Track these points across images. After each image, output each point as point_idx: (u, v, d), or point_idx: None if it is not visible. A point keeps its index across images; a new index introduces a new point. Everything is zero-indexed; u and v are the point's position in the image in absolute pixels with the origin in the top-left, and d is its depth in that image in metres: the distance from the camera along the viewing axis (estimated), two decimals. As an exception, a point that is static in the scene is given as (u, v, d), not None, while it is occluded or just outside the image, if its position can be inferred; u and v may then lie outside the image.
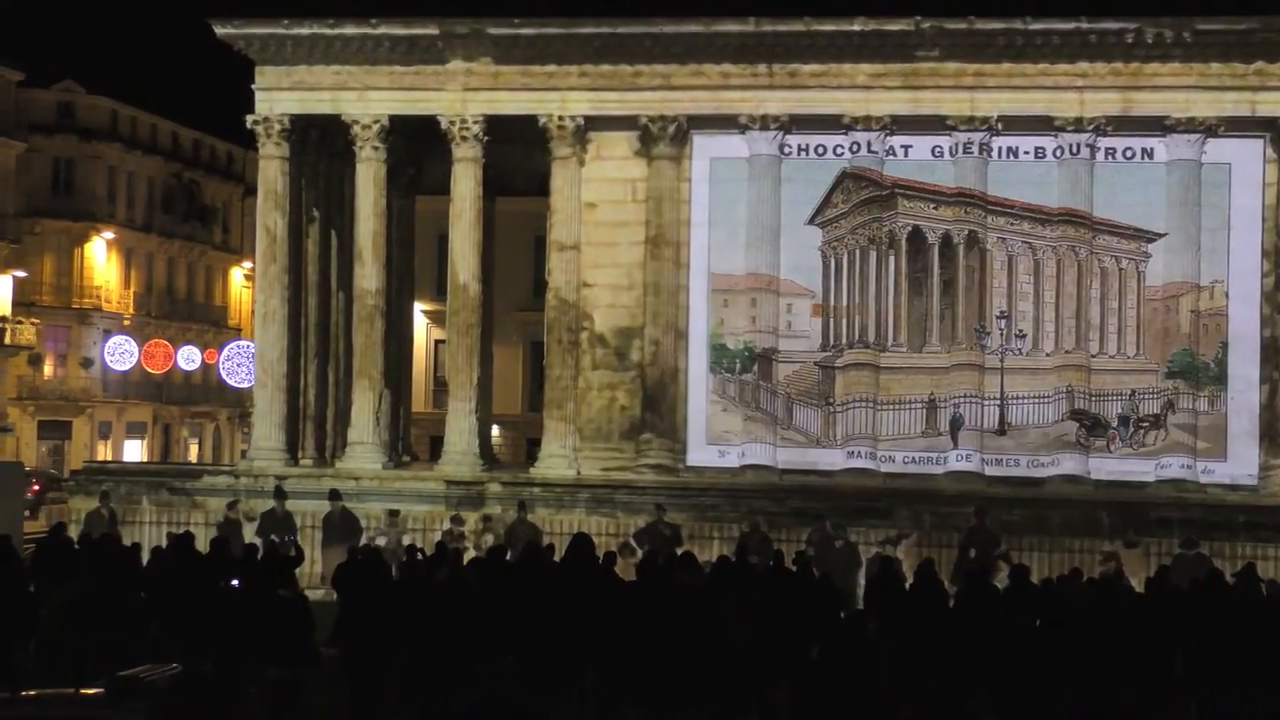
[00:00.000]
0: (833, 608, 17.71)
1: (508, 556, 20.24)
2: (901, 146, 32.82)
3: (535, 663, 16.72)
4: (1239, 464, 32.09)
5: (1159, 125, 31.48)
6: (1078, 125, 31.49)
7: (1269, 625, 16.65)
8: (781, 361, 33.16)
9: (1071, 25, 31.34)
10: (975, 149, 32.31)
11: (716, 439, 33.08)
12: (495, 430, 40.61)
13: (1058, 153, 32.34)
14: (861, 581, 23.64)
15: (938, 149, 32.79)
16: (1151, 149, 32.31)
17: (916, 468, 32.62)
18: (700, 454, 32.97)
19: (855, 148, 32.72)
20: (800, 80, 32.19)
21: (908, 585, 18.88)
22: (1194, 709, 16.67)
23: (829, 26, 31.86)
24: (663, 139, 32.35)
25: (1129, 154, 32.44)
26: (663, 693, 15.37)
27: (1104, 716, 15.98)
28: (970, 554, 25.80)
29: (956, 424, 32.71)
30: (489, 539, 26.68)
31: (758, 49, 32.16)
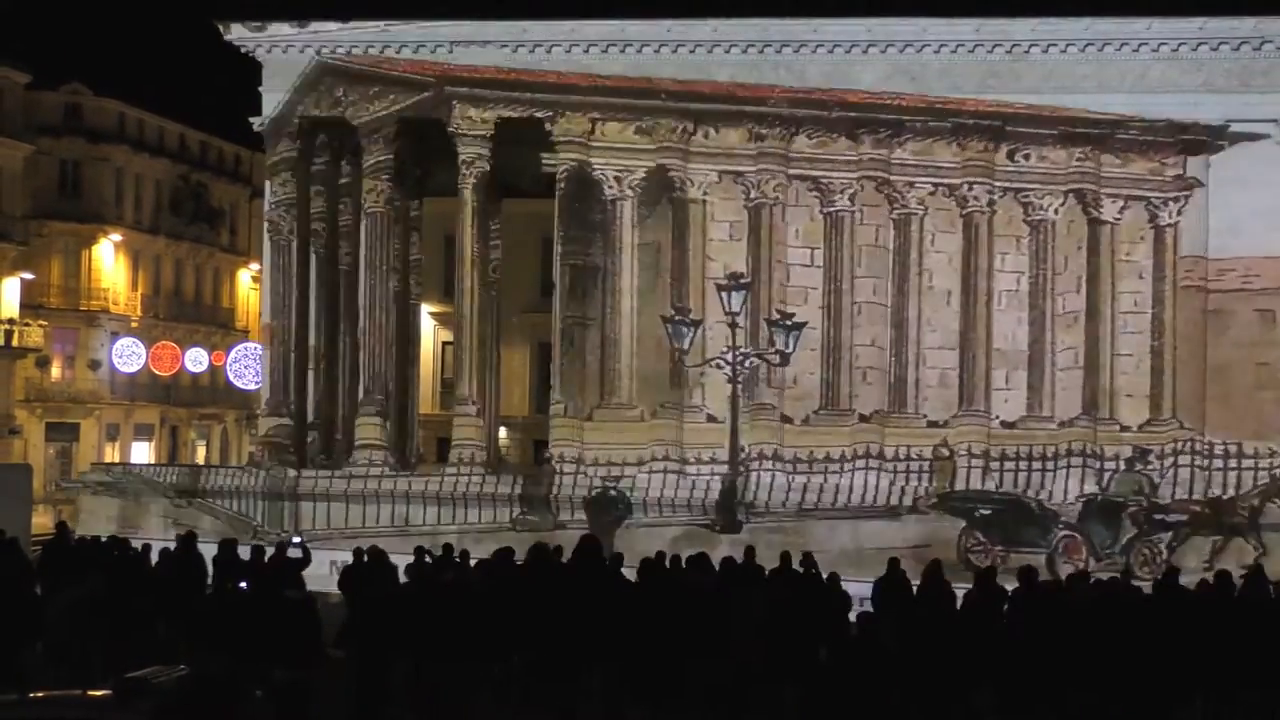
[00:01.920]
0: (840, 609, 17.70)
1: (515, 558, 20.22)
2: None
3: (542, 663, 16.71)
4: None
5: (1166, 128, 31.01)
6: (1085, 124, 31.12)
7: (1276, 626, 16.60)
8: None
9: (1083, 25, 31.15)
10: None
11: None
12: (503, 432, 40.61)
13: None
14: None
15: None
16: None
17: None
18: None
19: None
20: (805, 82, 32.11)
21: (914, 586, 18.86)
22: (1200, 710, 16.63)
23: (835, 28, 31.79)
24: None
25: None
26: (670, 693, 15.37)
27: (1110, 717, 15.95)
28: (977, 555, 25.76)
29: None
30: (496, 540, 26.64)
31: (764, 50, 32.07)
